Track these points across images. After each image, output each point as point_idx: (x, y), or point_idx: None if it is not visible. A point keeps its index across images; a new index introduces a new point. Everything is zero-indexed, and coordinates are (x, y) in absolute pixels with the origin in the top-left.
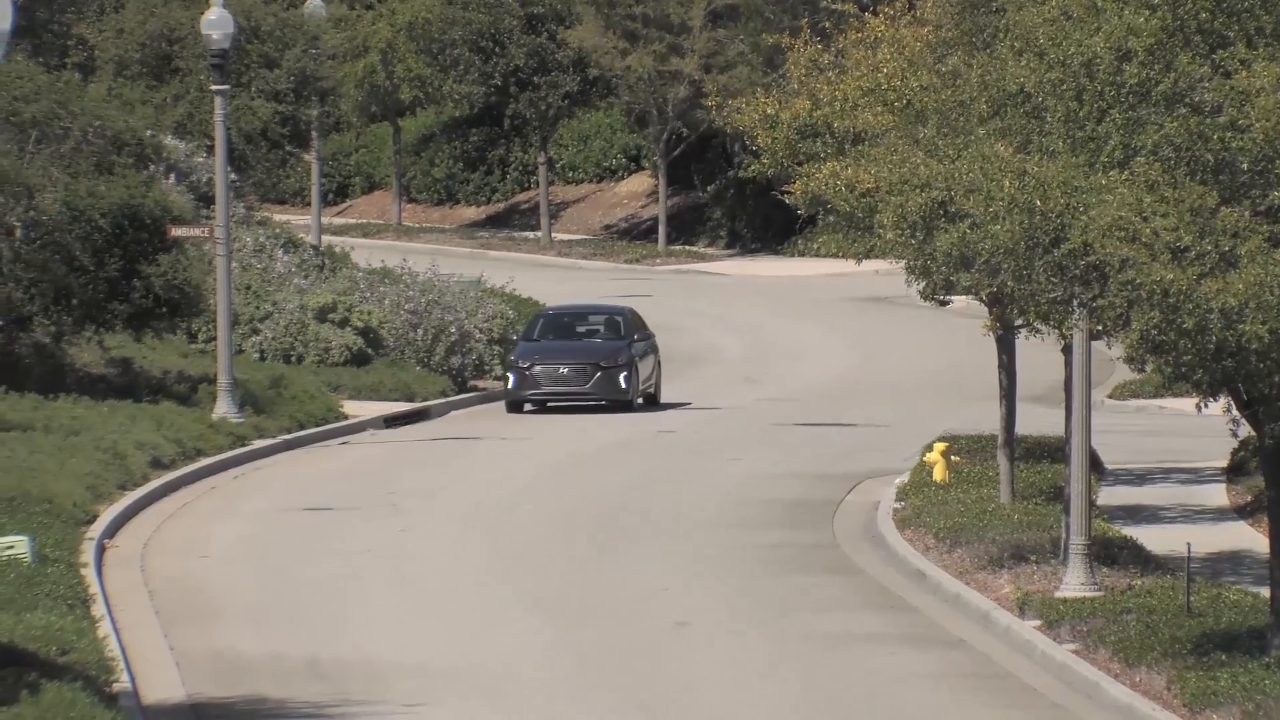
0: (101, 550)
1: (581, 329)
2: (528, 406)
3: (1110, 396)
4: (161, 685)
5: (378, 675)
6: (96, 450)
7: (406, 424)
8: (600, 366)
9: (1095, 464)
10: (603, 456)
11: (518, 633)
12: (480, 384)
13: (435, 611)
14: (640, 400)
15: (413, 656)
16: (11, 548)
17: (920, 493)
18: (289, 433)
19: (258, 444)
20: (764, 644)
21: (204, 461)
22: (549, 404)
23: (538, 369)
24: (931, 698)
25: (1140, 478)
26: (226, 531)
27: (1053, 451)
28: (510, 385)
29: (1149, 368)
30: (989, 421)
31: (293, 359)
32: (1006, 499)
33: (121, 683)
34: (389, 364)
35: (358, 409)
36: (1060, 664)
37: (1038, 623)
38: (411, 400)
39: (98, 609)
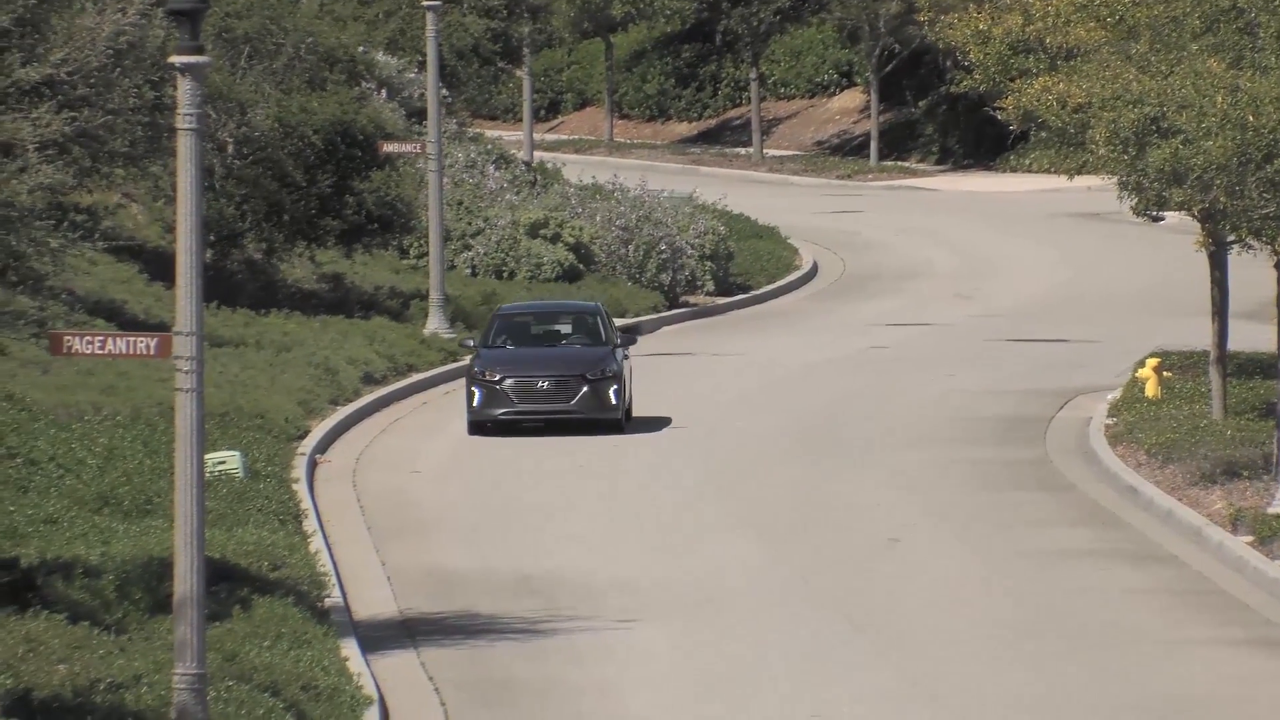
0: (313, 465)
1: (549, 332)
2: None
3: None
4: (373, 600)
5: (589, 591)
6: (308, 366)
7: None
8: (586, 379)
9: None
10: (814, 373)
11: (728, 548)
12: (692, 299)
13: (646, 527)
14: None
15: (623, 572)
16: (224, 463)
17: (1132, 408)
18: None
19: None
20: (976, 560)
21: (415, 377)
22: (523, 424)
23: (509, 382)
24: (1145, 614)
25: None
26: (438, 447)
27: (1265, 368)
28: (475, 402)
29: None
30: (1201, 338)
31: (504, 275)
32: (1218, 415)
33: (333, 598)
34: (600, 280)
35: None
36: (1273, 580)
37: (1250, 539)
38: (623, 316)
39: (309, 524)
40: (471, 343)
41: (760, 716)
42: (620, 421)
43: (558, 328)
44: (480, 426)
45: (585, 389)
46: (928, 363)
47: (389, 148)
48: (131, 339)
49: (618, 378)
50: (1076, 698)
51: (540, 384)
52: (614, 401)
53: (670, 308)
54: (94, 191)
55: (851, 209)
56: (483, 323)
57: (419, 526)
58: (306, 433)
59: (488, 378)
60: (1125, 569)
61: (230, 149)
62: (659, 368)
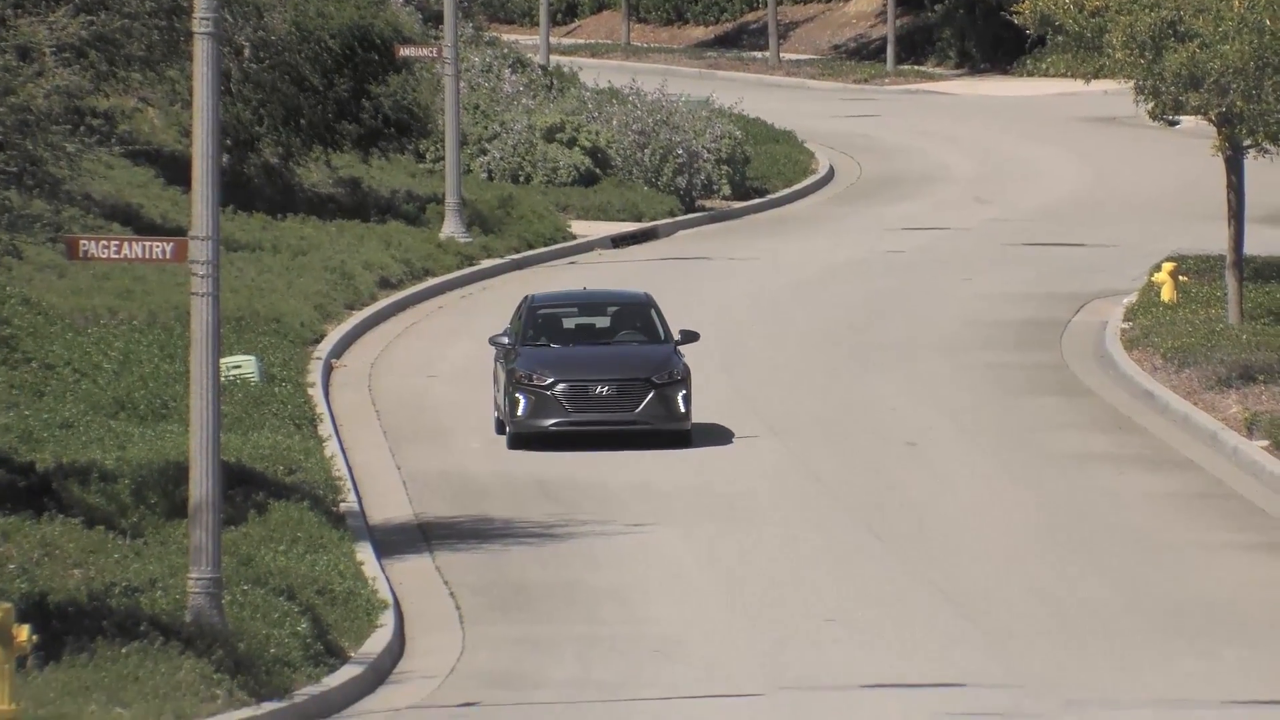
0: (329, 370)
1: (594, 327)
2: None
3: None
4: (388, 504)
5: (605, 496)
6: (324, 270)
7: (634, 244)
8: (652, 383)
9: None
10: (831, 277)
11: (746, 452)
12: (708, 203)
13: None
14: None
15: (641, 476)
16: (239, 367)
17: (1148, 313)
18: (517, 252)
19: (485, 264)
20: (994, 465)
21: (431, 281)
22: (575, 433)
23: (562, 387)
24: (1163, 518)
25: None
26: (454, 351)
27: None
28: (520, 411)
29: None
30: (1217, 242)
31: (520, 179)
32: (1234, 319)
33: (348, 502)
34: (616, 184)
35: (585, 229)
36: None
37: (1265, 443)
38: (639, 220)
39: (324, 428)
40: (507, 340)
41: (778, 620)
42: (689, 433)
43: (602, 322)
44: (524, 439)
45: (651, 395)
46: (945, 267)
47: (406, 52)
48: (148, 243)
49: (686, 381)
50: (1095, 600)
51: (598, 389)
52: (683, 409)
53: (687, 212)
54: (111, 96)
55: (868, 113)
56: (501, 228)
57: (435, 431)
58: (322, 337)
59: (535, 382)
60: (1142, 473)
61: (247, 53)
62: (676, 271)
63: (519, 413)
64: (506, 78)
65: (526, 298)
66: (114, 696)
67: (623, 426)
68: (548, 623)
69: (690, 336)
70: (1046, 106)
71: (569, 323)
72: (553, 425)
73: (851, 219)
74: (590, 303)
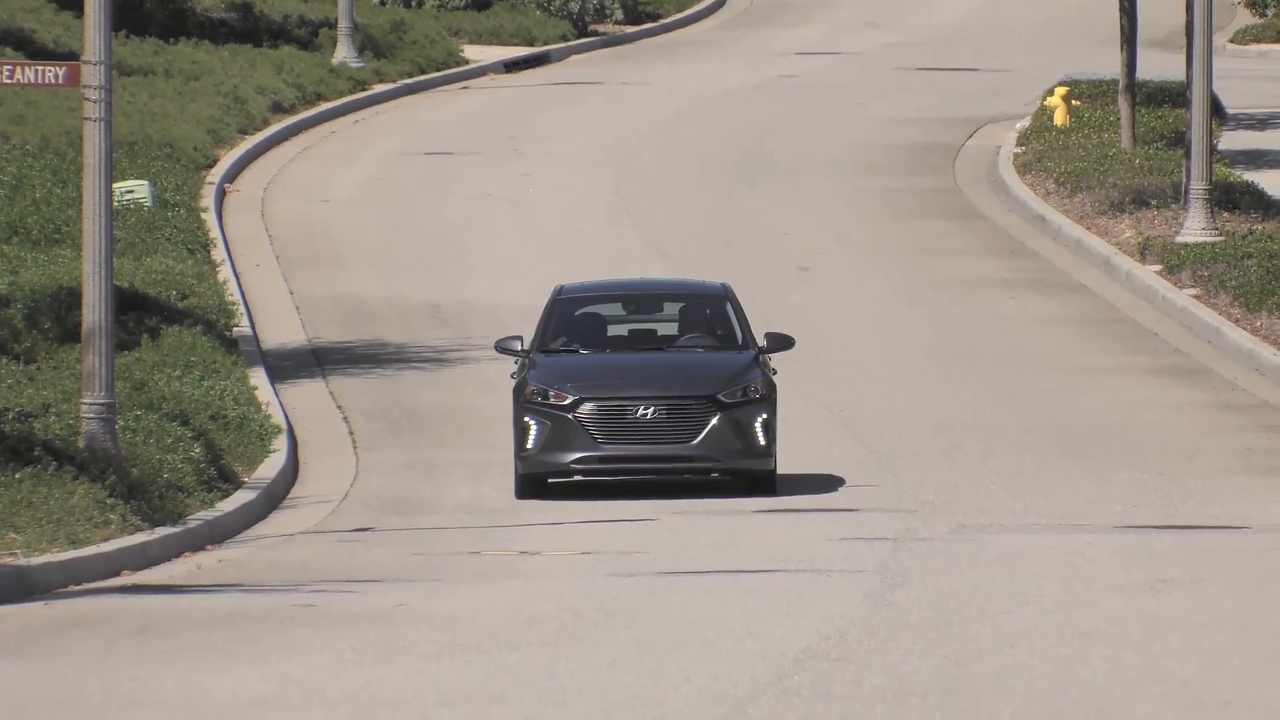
0: (222, 194)
1: (642, 330)
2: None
3: (1231, 41)
4: (282, 329)
5: (499, 320)
6: (217, 94)
7: (527, 68)
8: (718, 403)
9: (1216, 109)
10: (725, 101)
11: (634, 272)
12: (600, 28)
13: (559, 255)
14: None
15: (536, 301)
16: (132, 192)
17: (1041, 137)
18: (409, 77)
19: (378, 89)
20: (888, 289)
21: (324, 106)
22: (608, 473)
23: (589, 409)
24: (1058, 343)
25: (1262, 123)
26: (347, 176)
27: (1174, 96)
28: (530, 442)
29: (1270, 12)
30: (1110, 66)
31: (412, 3)
32: (1127, 144)
33: (241, 327)
34: (509, 8)
35: (478, 53)
36: (1181, 309)
37: (1158, 268)
38: (532, 44)
39: (218, 253)
40: (520, 345)
41: None
42: (772, 475)
43: (661, 323)
44: (536, 482)
45: (716, 420)
46: (838, 91)
47: None
48: (40, 68)
49: (769, 401)
50: (987, 424)
51: (641, 411)
52: (762, 441)
53: (579, 36)
54: None
55: None
56: (393, 53)
57: (328, 256)
58: (215, 161)
59: (552, 401)
60: (1037, 298)
61: None
62: (568, 96)
63: (529, 444)
64: None
65: (556, 288)
66: (7, 521)
67: (674, 464)
68: (440, 448)
69: (780, 342)
70: None
71: (606, 322)
72: (575, 462)
73: (744, 44)
74: (641, 294)
